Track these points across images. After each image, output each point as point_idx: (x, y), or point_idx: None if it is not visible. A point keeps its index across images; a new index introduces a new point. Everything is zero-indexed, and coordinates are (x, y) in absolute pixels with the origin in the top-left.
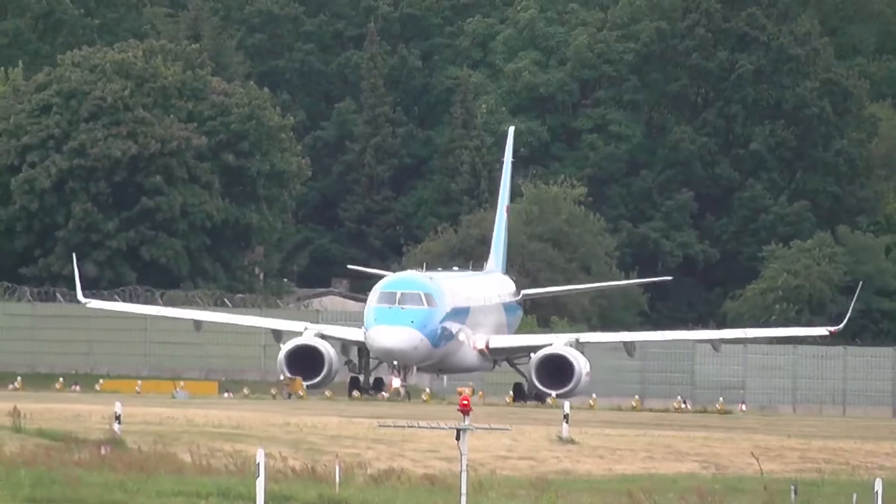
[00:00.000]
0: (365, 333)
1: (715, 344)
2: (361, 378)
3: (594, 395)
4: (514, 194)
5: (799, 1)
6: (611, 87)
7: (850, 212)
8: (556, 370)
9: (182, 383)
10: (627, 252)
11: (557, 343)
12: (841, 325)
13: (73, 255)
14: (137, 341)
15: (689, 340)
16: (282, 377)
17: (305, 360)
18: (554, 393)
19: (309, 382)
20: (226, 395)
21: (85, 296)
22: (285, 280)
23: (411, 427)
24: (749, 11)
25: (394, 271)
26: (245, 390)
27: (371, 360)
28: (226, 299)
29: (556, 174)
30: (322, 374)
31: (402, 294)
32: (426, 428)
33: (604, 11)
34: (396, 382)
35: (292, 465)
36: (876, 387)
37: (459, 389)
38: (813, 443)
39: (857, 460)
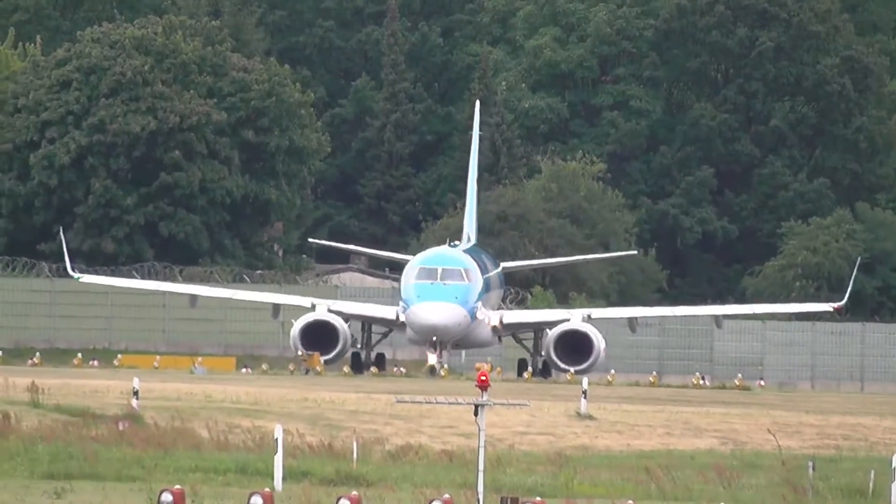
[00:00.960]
0: (405, 310)
1: (718, 320)
2: (363, 354)
3: (612, 371)
4: (533, 171)
5: None
6: (630, 63)
7: (870, 189)
8: (574, 346)
9: (200, 359)
10: (646, 228)
11: (574, 319)
12: (843, 301)
13: (60, 228)
14: (156, 317)
15: (707, 316)
16: (299, 353)
17: (319, 336)
18: (573, 369)
19: (324, 358)
20: (244, 370)
21: (80, 270)
22: (304, 256)
23: (429, 403)
24: None
25: (416, 248)
26: (263, 366)
27: (373, 335)
28: (245, 275)
29: (574, 150)
30: (336, 350)
31: (443, 270)
32: (444, 404)
33: None
34: (433, 359)
35: (310, 441)
36: (894, 363)
37: (478, 365)
38: (831, 419)
39: (875, 436)
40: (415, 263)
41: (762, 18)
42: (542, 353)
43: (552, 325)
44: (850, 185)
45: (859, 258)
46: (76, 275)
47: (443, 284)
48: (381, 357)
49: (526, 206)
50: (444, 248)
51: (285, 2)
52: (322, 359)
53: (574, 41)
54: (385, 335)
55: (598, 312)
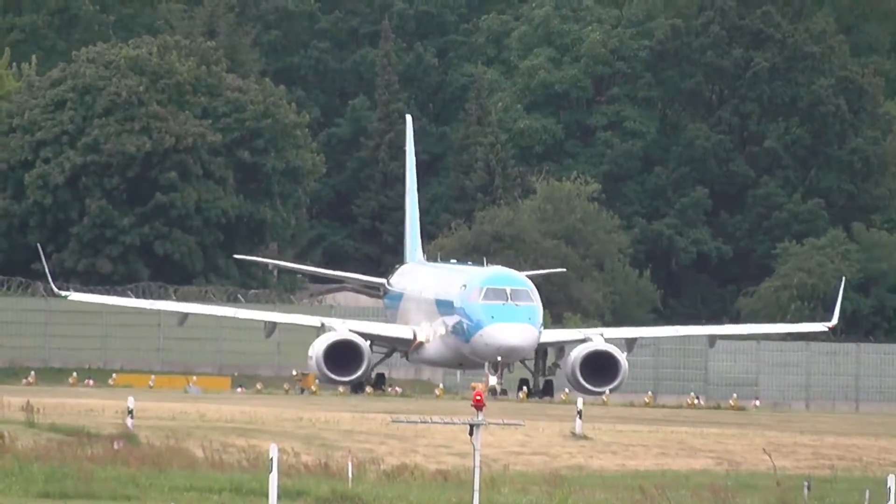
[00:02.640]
0: (475, 331)
1: (711, 339)
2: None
3: (607, 391)
4: (528, 191)
5: None
6: (625, 84)
7: (865, 209)
8: (600, 366)
9: (195, 378)
10: (641, 248)
11: (597, 339)
12: (835, 321)
13: (38, 246)
14: (151, 336)
15: (702, 336)
16: (294, 372)
17: (342, 356)
18: (606, 389)
19: (347, 378)
20: (238, 390)
21: (75, 290)
22: (298, 276)
23: (424, 422)
24: (764, 9)
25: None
26: (258, 385)
27: (383, 354)
28: (239, 295)
29: (569, 171)
30: (361, 370)
31: (512, 290)
32: (439, 423)
33: (619, 8)
34: (493, 380)
35: (305, 461)
36: (889, 383)
37: (473, 384)
38: (826, 439)
39: (870, 457)
40: (476, 283)
41: (757, 39)
42: (567, 374)
43: (571, 344)
44: (844, 205)
45: (843, 279)
46: (64, 293)
47: (515, 305)
48: (381, 377)
49: (521, 227)
50: (501, 268)
51: (280, 22)
52: (343, 379)
53: (568, 61)
54: (388, 355)
55: (609, 333)
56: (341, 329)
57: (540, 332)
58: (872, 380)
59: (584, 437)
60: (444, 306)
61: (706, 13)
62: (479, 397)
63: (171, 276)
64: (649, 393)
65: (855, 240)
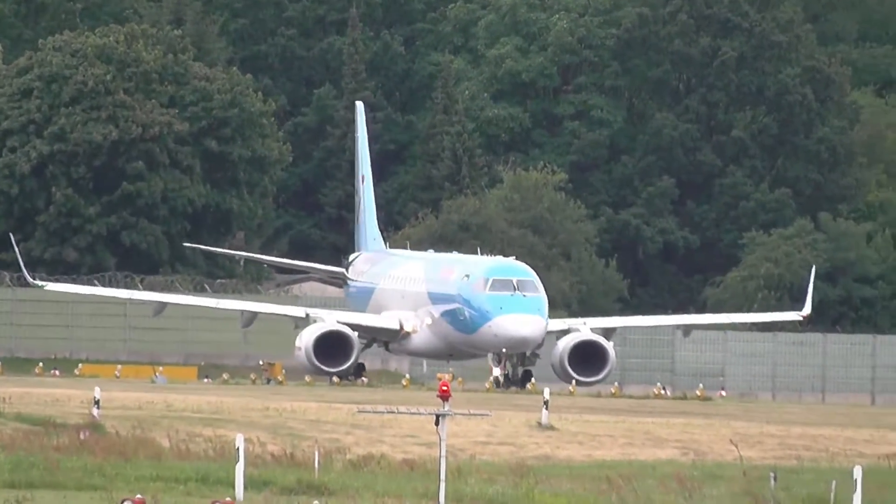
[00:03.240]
0: (482, 322)
1: (686, 330)
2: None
3: (574, 382)
4: (495, 181)
5: None
6: (592, 72)
7: (832, 199)
8: (588, 357)
9: (161, 368)
10: (607, 238)
11: (585, 329)
12: (807, 311)
13: (11, 235)
14: (117, 326)
15: (669, 326)
16: (260, 362)
17: (331, 347)
18: (594, 379)
19: (336, 369)
20: (205, 380)
21: (41, 279)
22: (265, 266)
23: (391, 412)
24: None
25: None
26: (224, 375)
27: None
28: (206, 285)
29: (536, 160)
30: (350, 361)
31: (518, 281)
32: (405, 413)
33: None
34: (497, 371)
35: (271, 450)
36: (855, 374)
37: (439, 375)
38: (792, 430)
39: (837, 447)
40: (480, 274)
41: (724, 28)
42: (554, 364)
43: (555, 334)
44: (811, 195)
45: (813, 267)
46: (40, 283)
47: (522, 296)
48: (361, 367)
49: (488, 216)
50: (504, 259)
51: (247, 11)
52: (333, 370)
53: (535, 50)
54: (368, 345)
55: (593, 322)
56: (329, 320)
57: (547, 323)
58: (839, 370)
59: (551, 428)
60: (439, 297)
61: (673, 2)
62: (444, 387)
63: (137, 265)
64: (616, 383)
65: (822, 229)
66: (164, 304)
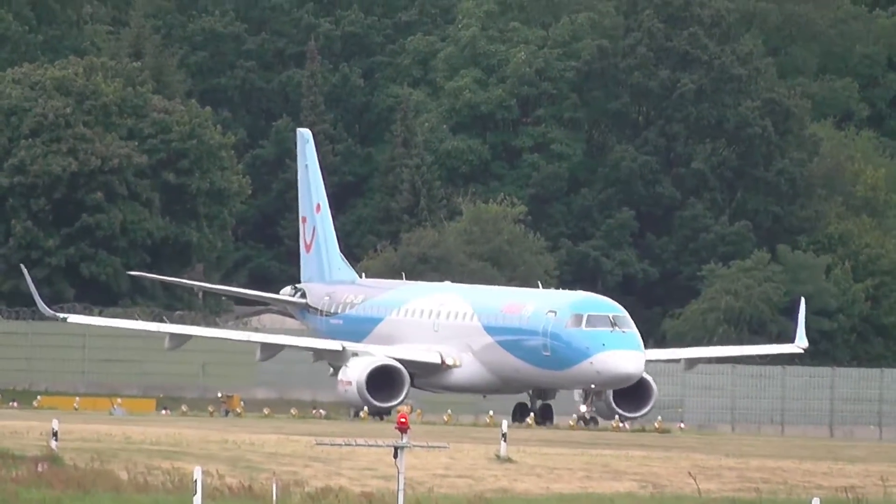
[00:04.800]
0: (581, 359)
1: (689, 363)
2: None
3: (532, 415)
4: (454, 213)
5: (742, 20)
6: (551, 105)
7: (791, 231)
8: (630, 391)
9: (120, 400)
10: (567, 270)
11: None
12: (805, 343)
13: (22, 266)
14: (76, 358)
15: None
16: (219, 394)
17: (383, 382)
18: (635, 415)
19: (389, 404)
20: (163, 412)
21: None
22: (224, 298)
23: (349, 445)
24: (691, 31)
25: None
26: (183, 407)
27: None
28: (164, 317)
29: (495, 193)
30: (402, 396)
31: (615, 317)
32: (363, 446)
33: (545, 30)
34: (583, 408)
35: (229, 483)
36: (814, 406)
37: (398, 409)
38: (751, 462)
39: (795, 480)
40: (571, 309)
41: (684, 61)
42: (601, 400)
43: None
44: (771, 227)
45: (802, 299)
46: (61, 315)
47: (622, 332)
48: None
49: (447, 249)
50: (590, 294)
51: (206, 43)
52: (383, 405)
53: (494, 83)
54: None
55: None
56: (379, 354)
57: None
58: (798, 403)
59: (509, 460)
60: (503, 330)
61: (633, 34)
62: (403, 420)
63: (96, 297)
64: (574, 416)
65: (780, 262)
66: (186, 337)
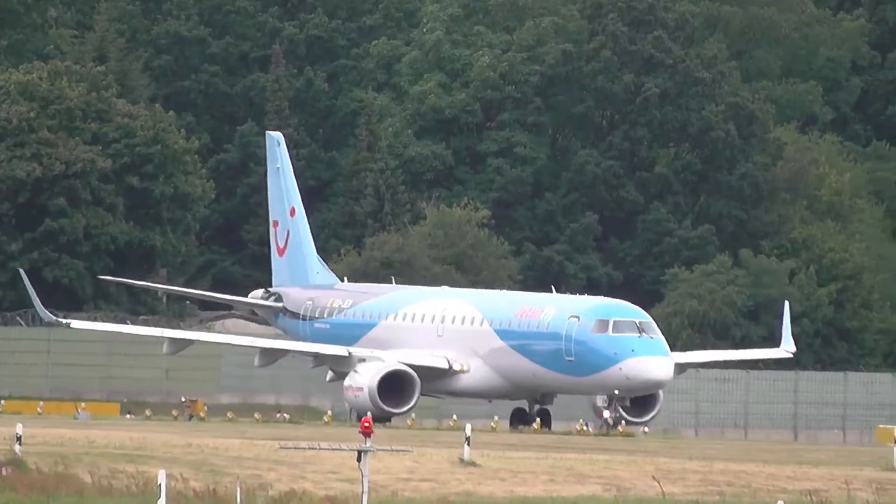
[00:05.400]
0: (609, 364)
1: (680, 367)
2: None
3: (496, 418)
4: (418, 217)
5: (706, 24)
6: (515, 109)
7: (755, 236)
8: (637, 397)
9: (84, 404)
10: (531, 275)
11: None
12: (793, 347)
13: (21, 271)
14: (40, 363)
15: None
16: (183, 398)
17: (394, 387)
18: (645, 419)
19: (401, 410)
20: (128, 416)
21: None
22: (188, 302)
23: (312, 449)
24: (655, 35)
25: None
26: (147, 412)
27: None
28: (128, 321)
29: (459, 197)
30: (413, 402)
31: (641, 322)
32: (327, 450)
33: (509, 34)
34: (607, 413)
35: (194, 487)
36: (778, 410)
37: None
38: (715, 465)
39: (759, 483)
40: (595, 315)
41: (648, 65)
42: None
43: None
44: (734, 231)
45: (787, 303)
46: (64, 321)
47: (650, 338)
48: None
49: (411, 253)
50: (612, 300)
51: (171, 48)
52: (395, 411)
53: (458, 87)
54: None
55: None
56: (390, 360)
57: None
58: (761, 406)
59: (473, 464)
60: (517, 335)
61: (597, 38)
62: (367, 424)
63: (60, 302)
64: (538, 419)
65: (743, 266)
66: (187, 342)
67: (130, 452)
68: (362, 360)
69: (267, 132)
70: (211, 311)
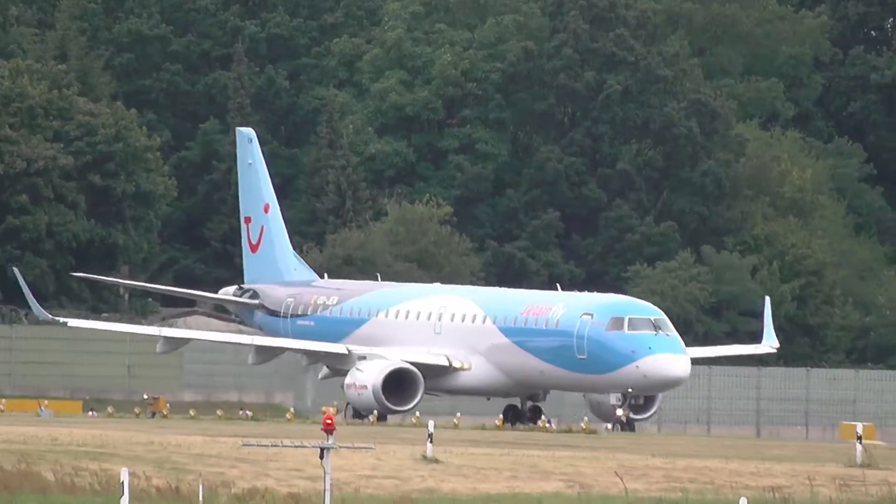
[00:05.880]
0: (626, 362)
1: None
2: None
3: (458, 414)
4: (379, 214)
5: (668, 21)
6: (477, 106)
7: (717, 232)
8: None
9: (47, 402)
10: (493, 271)
11: None
12: (776, 343)
13: (15, 269)
14: (2, 360)
15: None
16: (145, 396)
17: (397, 385)
18: (644, 416)
19: (405, 408)
20: (90, 413)
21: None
22: (150, 299)
23: (275, 446)
24: (617, 32)
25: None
26: (109, 409)
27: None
28: (91, 319)
29: (421, 194)
30: (417, 399)
31: (656, 320)
32: (290, 447)
33: (471, 31)
34: (620, 412)
35: (156, 484)
36: (740, 406)
37: (324, 409)
38: (678, 462)
39: (722, 479)
40: (610, 312)
41: (610, 62)
42: (600, 402)
43: None
44: (697, 228)
45: (767, 298)
46: (61, 320)
47: (666, 336)
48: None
49: (373, 250)
50: (624, 297)
51: (132, 46)
52: (399, 409)
53: (420, 84)
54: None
55: None
56: (394, 357)
57: None
58: (724, 402)
59: (436, 461)
60: (523, 332)
61: (558, 36)
62: (329, 421)
63: (22, 299)
64: (500, 416)
65: (705, 262)
66: (183, 341)
67: (93, 450)
68: (362, 357)
69: (237, 128)
70: (173, 308)
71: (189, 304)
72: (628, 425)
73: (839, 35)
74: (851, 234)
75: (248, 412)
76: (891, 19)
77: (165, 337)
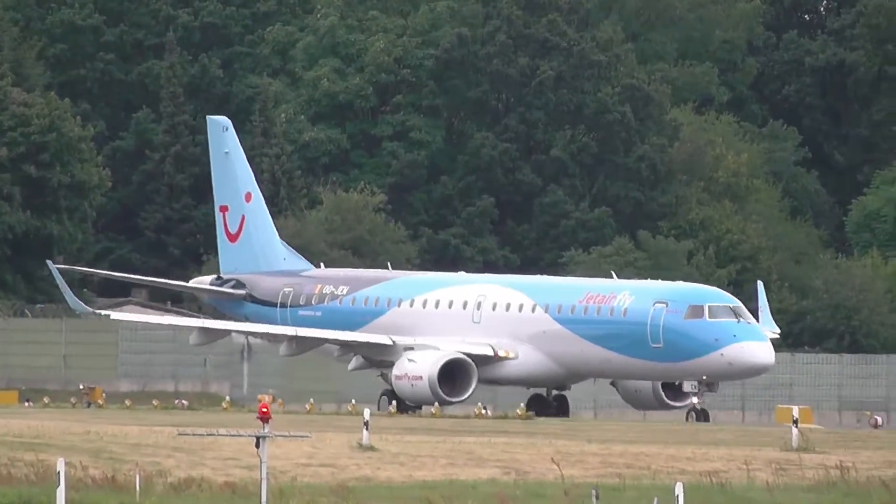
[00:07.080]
0: (710, 350)
1: None
2: None
3: (394, 402)
4: (314, 202)
5: (601, 6)
6: (410, 93)
7: (652, 217)
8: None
9: None
10: (428, 258)
11: None
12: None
13: (50, 263)
14: None
15: None
16: (81, 386)
17: (452, 376)
18: (680, 404)
19: (459, 399)
20: (26, 404)
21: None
22: (85, 290)
23: (211, 435)
24: (550, 17)
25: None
26: (45, 399)
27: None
28: (26, 310)
29: (355, 181)
30: (471, 390)
31: (735, 307)
32: (225, 436)
33: (404, 18)
34: (695, 400)
35: (93, 474)
36: None
37: (260, 397)
38: (614, 448)
39: (658, 464)
40: (688, 300)
41: (543, 48)
42: (642, 388)
43: None
44: (632, 213)
45: (759, 282)
46: (102, 312)
47: (747, 323)
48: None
49: (308, 238)
50: (698, 284)
51: (65, 36)
52: (454, 400)
53: (353, 72)
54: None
55: None
56: (448, 348)
57: None
58: None
59: (372, 448)
60: (579, 322)
61: (492, 22)
62: (265, 409)
63: None
64: (436, 403)
65: (641, 247)
66: (223, 333)
67: (29, 440)
68: (409, 348)
69: (208, 117)
70: (109, 299)
71: (124, 293)
72: (703, 414)
73: (773, 19)
74: (787, 218)
75: (184, 402)
76: (824, 2)
77: (199, 328)
